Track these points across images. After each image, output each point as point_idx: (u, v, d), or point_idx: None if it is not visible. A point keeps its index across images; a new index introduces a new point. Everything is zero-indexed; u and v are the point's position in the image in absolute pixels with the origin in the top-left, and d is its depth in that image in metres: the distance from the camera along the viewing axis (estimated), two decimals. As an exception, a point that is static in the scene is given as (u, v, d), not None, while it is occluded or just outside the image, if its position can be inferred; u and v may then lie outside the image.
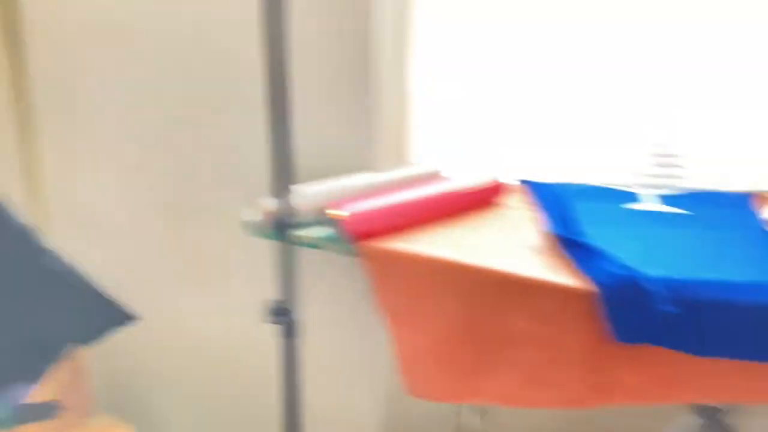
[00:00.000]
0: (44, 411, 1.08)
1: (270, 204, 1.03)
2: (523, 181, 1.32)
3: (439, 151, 1.45)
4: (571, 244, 1.07)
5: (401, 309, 1.08)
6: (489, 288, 1.02)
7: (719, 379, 1.01)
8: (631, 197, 1.25)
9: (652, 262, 1.03)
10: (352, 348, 1.41)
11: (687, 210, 1.21)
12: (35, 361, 1.10)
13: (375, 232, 1.08)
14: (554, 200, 1.23)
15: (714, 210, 1.22)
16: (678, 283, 0.97)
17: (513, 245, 1.10)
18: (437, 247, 1.07)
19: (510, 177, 1.34)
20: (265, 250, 1.08)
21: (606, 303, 0.97)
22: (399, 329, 1.09)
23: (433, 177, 1.24)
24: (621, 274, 0.98)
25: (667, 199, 1.25)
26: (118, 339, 1.17)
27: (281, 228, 1.00)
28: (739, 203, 1.25)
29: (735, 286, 0.97)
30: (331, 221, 1.09)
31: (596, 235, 1.10)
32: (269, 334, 1.05)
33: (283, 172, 0.93)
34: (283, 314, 1.00)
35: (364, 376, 1.46)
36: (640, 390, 1.04)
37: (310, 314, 1.34)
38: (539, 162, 1.44)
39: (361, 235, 1.07)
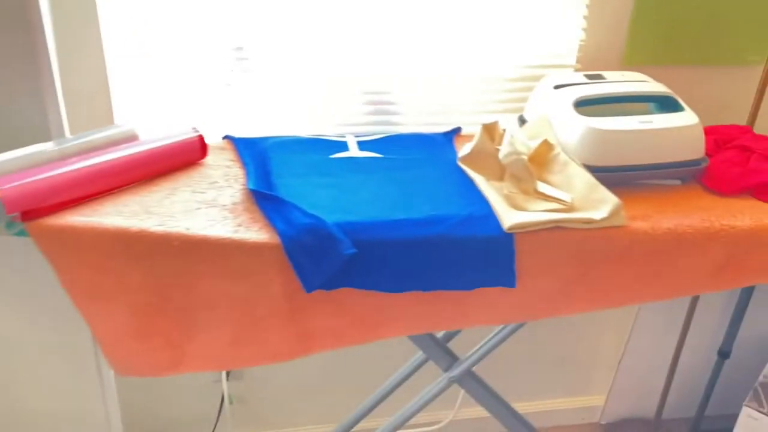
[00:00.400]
0: None
1: None
2: (229, 138, 1.27)
3: (143, 112, 1.35)
4: (262, 198, 1.05)
5: (88, 287, 0.99)
6: (175, 253, 0.97)
7: (416, 310, 1.06)
8: (341, 146, 1.25)
9: (341, 207, 1.04)
10: (68, 334, 1.29)
11: (392, 154, 1.24)
12: None
13: (46, 207, 0.97)
14: (255, 155, 1.20)
15: (416, 151, 1.26)
16: (357, 225, 0.99)
17: (208, 205, 1.05)
18: (123, 216, 1.00)
19: (222, 134, 1.29)
20: None
21: (289, 253, 0.97)
22: (89, 309, 1.00)
23: (128, 139, 1.15)
24: (302, 223, 0.97)
25: (374, 145, 1.27)
26: None
27: None
28: (440, 143, 1.31)
29: (410, 222, 1.01)
30: (-9, 200, 0.96)
31: (292, 186, 1.09)
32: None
33: None
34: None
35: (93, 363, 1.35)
36: (342, 333, 1.06)
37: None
38: (261, 117, 1.41)
39: (26, 212, 0.96)
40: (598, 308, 1.12)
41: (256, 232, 0.99)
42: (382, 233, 1.00)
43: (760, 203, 1.16)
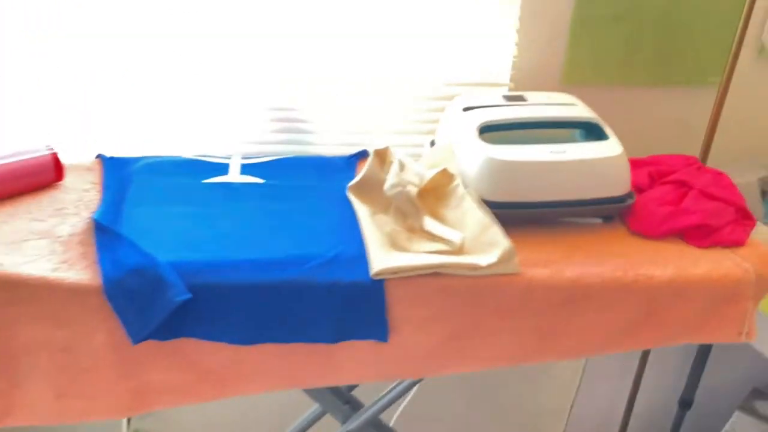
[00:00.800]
0: None
1: None
2: (101, 157, 1.14)
3: (28, 126, 1.23)
4: (99, 230, 0.91)
5: None
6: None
7: (275, 364, 0.91)
8: (221, 169, 1.11)
9: (188, 244, 0.90)
10: None
11: (277, 179, 1.10)
12: None
13: None
14: (119, 178, 1.06)
15: (308, 177, 1.12)
16: (198, 266, 0.85)
17: (41, 236, 0.92)
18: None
19: (93, 152, 1.16)
20: None
21: (111, 298, 0.83)
22: None
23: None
24: (128, 263, 0.84)
25: (261, 168, 1.13)
26: None
27: None
28: (340, 168, 1.17)
29: (263, 263, 0.87)
30: None
31: (143, 216, 0.96)
32: None
33: None
34: None
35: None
36: (188, 388, 0.91)
37: None
38: (155, 134, 1.28)
39: None
40: (492, 366, 0.96)
41: (78, 272, 0.85)
42: (227, 276, 0.86)
43: (690, 249, 1.00)
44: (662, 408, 1.72)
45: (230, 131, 1.28)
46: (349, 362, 0.93)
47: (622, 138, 1.19)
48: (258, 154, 1.21)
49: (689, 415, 1.68)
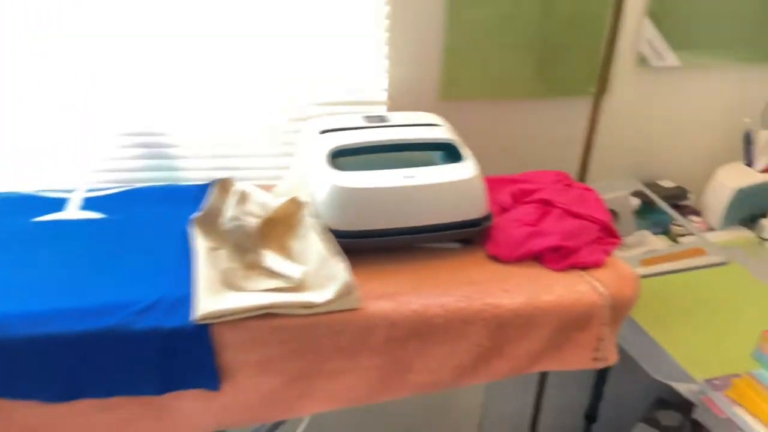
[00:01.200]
0: None
1: None
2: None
3: None
4: None
5: None
6: None
7: (98, 419, 0.84)
8: (58, 205, 1.04)
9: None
10: None
11: (120, 213, 1.03)
12: None
13: None
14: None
15: (155, 209, 1.05)
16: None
17: None
18: None
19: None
20: None
21: None
22: None
23: None
24: None
25: (105, 202, 1.06)
26: None
27: None
28: (193, 198, 1.08)
29: (73, 313, 0.80)
30: None
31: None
32: None
33: None
34: None
35: None
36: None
37: None
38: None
39: None
40: (340, 406, 0.91)
41: None
42: (31, 328, 0.78)
43: (547, 273, 0.96)
44: (569, 424, 1.69)
45: (84, 160, 1.21)
46: (184, 412, 0.86)
47: (501, 154, 1.15)
48: (112, 184, 1.14)
49: (596, 428, 1.65)
